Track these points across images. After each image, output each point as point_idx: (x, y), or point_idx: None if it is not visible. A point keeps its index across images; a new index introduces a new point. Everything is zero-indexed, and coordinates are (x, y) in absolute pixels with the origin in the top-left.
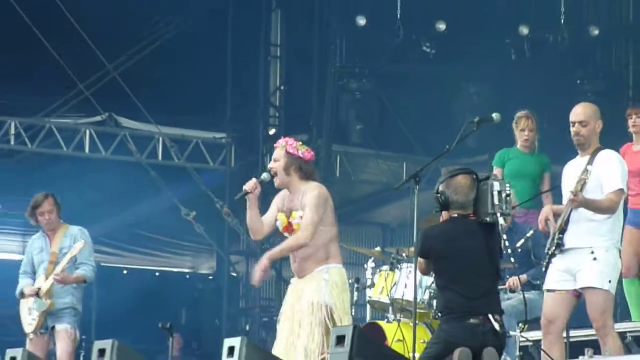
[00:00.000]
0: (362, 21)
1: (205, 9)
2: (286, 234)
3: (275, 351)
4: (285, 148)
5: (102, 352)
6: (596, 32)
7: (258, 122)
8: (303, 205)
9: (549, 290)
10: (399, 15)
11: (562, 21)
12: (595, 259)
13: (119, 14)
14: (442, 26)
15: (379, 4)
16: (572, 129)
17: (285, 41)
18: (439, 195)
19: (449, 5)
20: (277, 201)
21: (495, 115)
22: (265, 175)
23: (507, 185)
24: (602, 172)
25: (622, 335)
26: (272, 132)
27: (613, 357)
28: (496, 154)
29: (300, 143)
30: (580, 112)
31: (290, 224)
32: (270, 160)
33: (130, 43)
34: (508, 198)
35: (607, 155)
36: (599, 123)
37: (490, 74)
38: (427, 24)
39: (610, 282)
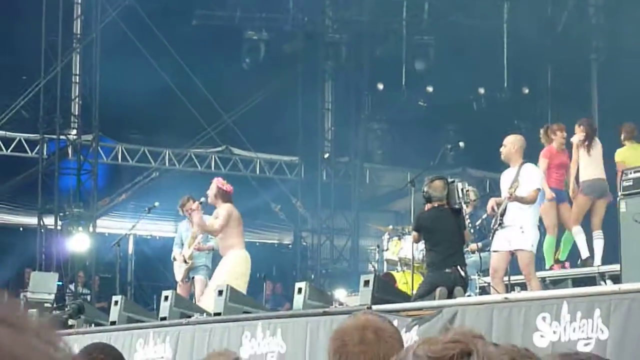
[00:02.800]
0: (380, 86)
1: (284, 79)
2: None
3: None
4: (216, 183)
5: (220, 292)
6: (526, 91)
7: (317, 150)
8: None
9: (494, 251)
10: (403, 82)
11: (505, 84)
12: (523, 232)
13: (232, 83)
14: (430, 88)
15: (391, 74)
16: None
17: (334, 99)
18: (424, 193)
19: (433, 75)
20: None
21: (461, 143)
22: (203, 199)
23: (466, 183)
24: (526, 178)
25: (543, 279)
26: (326, 155)
27: (534, 291)
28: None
29: (226, 182)
30: (505, 139)
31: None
32: (325, 172)
33: (238, 101)
34: (467, 192)
35: (529, 167)
36: (515, 146)
37: (460, 117)
38: (421, 87)
39: (532, 245)
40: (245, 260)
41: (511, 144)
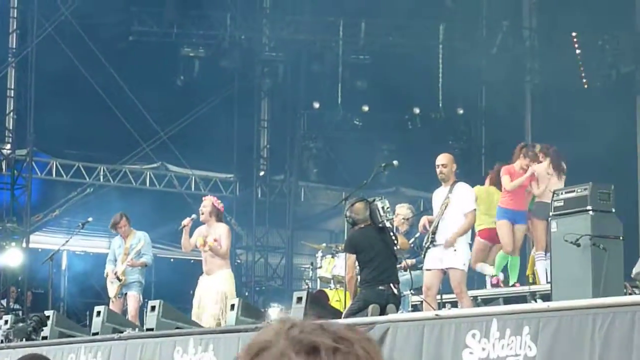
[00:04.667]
0: (316, 104)
1: (221, 97)
2: (201, 248)
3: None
4: (211, 201)
5: (152, 307)
6: (461, 111)
7: (252, 167)
8: (218, 235)
9: (427, 269)
10: (339, 101)
11: (440, 104)
12: (455, 250)
13: (168, 99)
14: (365, 108)
15: (327, 93)
16: (437, 169)
17: (270, 117)
18: (348, 218)
19: (370, 95)
20: (200, 231)
21: (395, 162)
22: (194, 216)
23: (387, 201)
24: (459, 198)
25: (475, 298)
26: (261, 173)
27: (465, 308)
28: None
29: (219, 201)
30: (442, 158)
31: (205, 242)
32: (261, 190)
33: (174, 117)
34: (388, 209)
35: (462, 186)
36: (454, 165)
37: (395, 137)
38: (357, 107)
39: (464, 264)
40: (233, 280)
41: (450, 164)
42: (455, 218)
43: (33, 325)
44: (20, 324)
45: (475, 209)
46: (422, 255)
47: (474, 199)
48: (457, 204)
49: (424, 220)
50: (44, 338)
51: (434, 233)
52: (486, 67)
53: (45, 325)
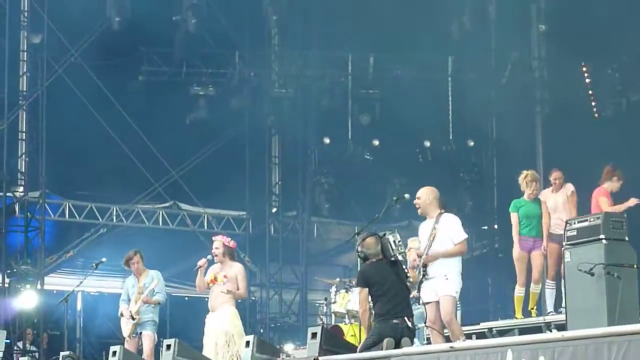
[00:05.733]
0: (327, 140)
1: (231, 134)
2: (210, 284)
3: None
4: (222, 241)
5: (168, 346)
6: (472, 144)
7: (265, 204)
8: (232, 274)
9: (425, 303)
10: (349, 136)
11: (451, 137)
12: (447, 279)
13: (179, 138)
14: (376, 142)
15: (338, 128)
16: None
17: (281, 154)
18: (359, 253)
19: (379, 129)
20: (213, 269)
21: (406, 195)
22: (209, 257)
23: (398, 235)
24: (447, 228)
25: (490, 329)
26: (274, 210)
27: (456, 336)
28: (511, 203)
29: (230, 239)
30: (418, 192)
31: (216, 279)
32: (273, 227)
33: (186, 156)
34: (400, 242)
35: (448, 217)
36: (429, 198)
37: (407, 170)
38: (367, 141)
39: (456, 292)
40: (238, 317)
41: (425, 195)
42: (444, 248)
43: None
44: None
45: (467, 238)
46: (417, 290)
47: (462, 228)
48: (445, 234)
49: (413, 254)
50: None
51: (424, 266)
52: (496, 98)
53: None
